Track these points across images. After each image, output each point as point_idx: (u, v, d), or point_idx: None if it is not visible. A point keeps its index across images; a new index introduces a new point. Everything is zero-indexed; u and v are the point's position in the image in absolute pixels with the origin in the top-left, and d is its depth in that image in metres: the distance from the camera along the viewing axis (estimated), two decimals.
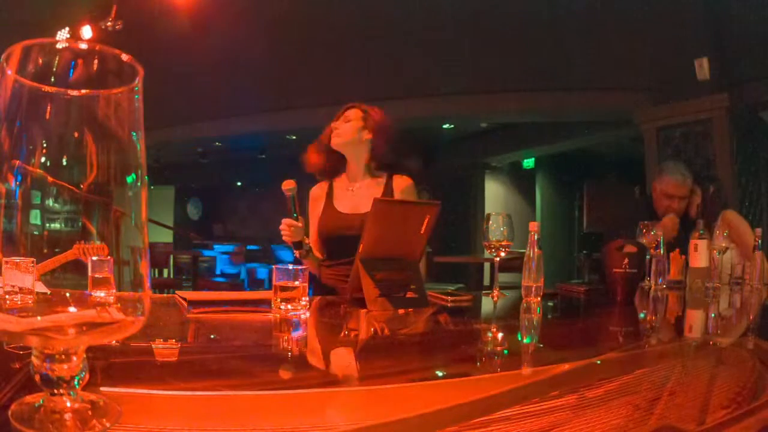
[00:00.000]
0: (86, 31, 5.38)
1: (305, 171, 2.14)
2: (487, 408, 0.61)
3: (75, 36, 5.29)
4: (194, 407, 0.60)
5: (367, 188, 2.04)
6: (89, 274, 0.47)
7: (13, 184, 0.43)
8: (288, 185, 1.82)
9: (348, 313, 1.43)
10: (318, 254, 2.08)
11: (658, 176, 2.77)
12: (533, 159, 8.76)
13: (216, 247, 10.06)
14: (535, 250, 1.58)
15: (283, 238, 1.88)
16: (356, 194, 2.04)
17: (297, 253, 1.94)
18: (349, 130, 2.03)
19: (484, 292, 1.90)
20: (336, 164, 2.10)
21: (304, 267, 1.24)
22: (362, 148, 2.05)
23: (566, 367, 0.85)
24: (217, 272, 8.63)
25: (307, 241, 1.95)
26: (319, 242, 2.09)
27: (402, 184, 2.06)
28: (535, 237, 1.59)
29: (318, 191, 2.14)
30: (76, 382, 0.45)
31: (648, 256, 1.95)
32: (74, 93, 0.44)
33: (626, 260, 1.64)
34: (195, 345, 1.00)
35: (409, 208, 1.65)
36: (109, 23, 5.28)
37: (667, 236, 2.28)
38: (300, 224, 1.87)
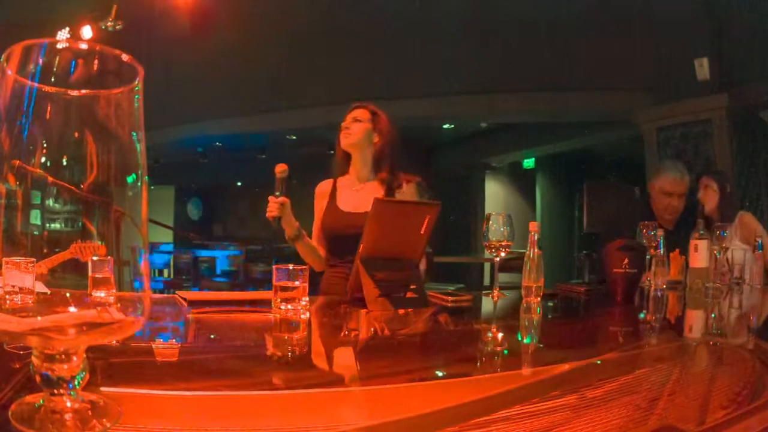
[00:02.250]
0: (86, 31, 5.39)
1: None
2: (487, 408, 0.61)
3: (75, 36, 5.29)
4: (194, 407, 0.60)
5: (371, 189, 2.05)
6: (89, 274, 0.47)
7: (13, 184, 0.43)
8: (281, 168, 1.89)
9: (348, 313, 1.43)
10: (320, 249, 2.10)
11: (656, 175, 2.77)
12: (533, 159, 8.75)
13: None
14: (535, 250, 1.58)
15: (267, 214, 1.91)
16: (360, 194, 2.05)
17: (286, 235, 1.98)
18: (358, 131, 2.04)
19: (484, 292, 1.90)
20: (345, 162, 2.12)
21: (303, 267, 1.24)
22: (370, 149, 2.07)
23: (566, 367, 0.85)
24: (218, 272, 8.62)
25: (296, 224, 1.97)
26: (322, 240, 2.10)
27: (407, 188, 2.07)
28: (535, 237, 1.59)
29: (323, 188, 2.15)
30: (76, 382, 0.45)
31: (648, 256, 1.95)
32: (74, 93, 0.44)
33: (626, 260, 1.64)
34: (195, 345, 1.00)
35: (409, 208, 1.65)
36: (109, 23, 5.29)
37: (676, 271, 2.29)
38: (281, 200, 1.89)
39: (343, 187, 2.11)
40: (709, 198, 2.75)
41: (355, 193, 2.07)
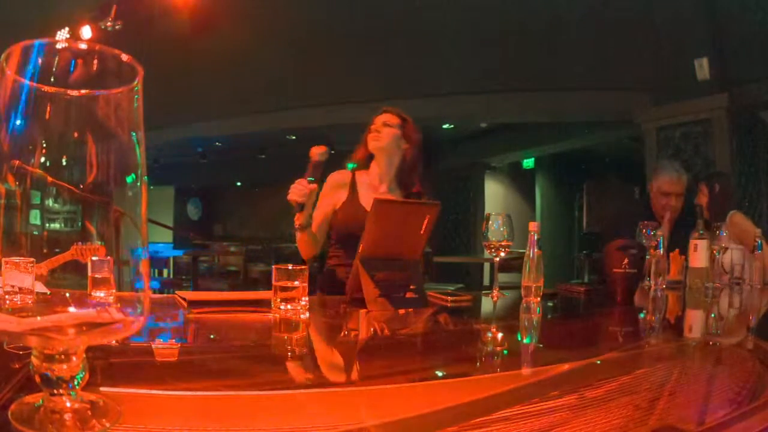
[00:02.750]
0: (86, 31, 5.38)
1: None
2: (487, 408, 0.61)
3: (75, 36, 5.29)
4: (194, 407, 0.60)
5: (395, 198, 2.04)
6: (89, 274, 0.47)
7: (13, 184, 0.43)
8: (319, 149, 1.80)
9: (348, 313, 1.43)
10: (314, 231, 2.01)
11: (654, 176, 2.78)
12: (533, 159, 8.76)
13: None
14: (535, 250, 1.58)
15: (290, 196, 1.80)
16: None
17: (297, 220, 1.87)
18: (388, 135, 2.03)
19: (484, 292, 1.90)
20: (366, 162, 2.11)
21: (303, 267, 1.23)
22: (398, 155, 2.07)
23: (566, 367, 0.85)
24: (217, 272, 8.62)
25: (310, 213, 1.90)
26: (322, 227, 2.04)
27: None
28: (535, 237, 1.59)
29: (340, 179, 2.09)
30: (76, 382, 0.45)
31: (648, 256, 1.95)
32: (74, 93, 0.44)
33: (626, 260, 1.64)
34: (195, 345, 1.00)
35: (409, 208, 1.65)
36: (109, 23, 5.28)
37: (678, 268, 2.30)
38: (313, 187, 1.81)
39: (364, 185, 2.08)
40: (700, 201, 2.77)
41: (378, 196, 2.03)
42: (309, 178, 1.79)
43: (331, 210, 2.06)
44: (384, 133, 2.03)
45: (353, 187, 2.07)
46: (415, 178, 2.09)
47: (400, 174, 2.09)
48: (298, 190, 1.80)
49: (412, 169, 2.08)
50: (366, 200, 2.03)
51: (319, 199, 2.04)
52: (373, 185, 2.08)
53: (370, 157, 2.10)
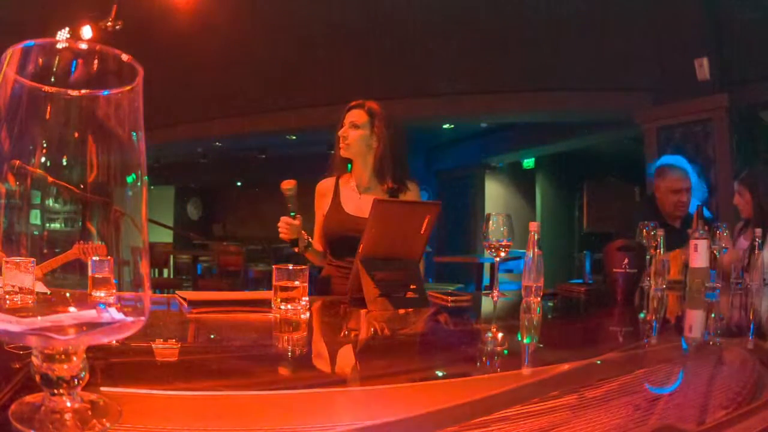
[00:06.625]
0: (86, 31, 5.38)
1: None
2: (487, 408, 0.61)
3: (75, 36, 5.29)
4: (194, 407, 0.60)
5: (374, 195, 2.04)
6: (89, 274, 0.47)
7: (13, 184, 0.43)
8: (288, 185, 1.86)
9: (348, 313, 1.43)
10: (319, 247, 2.08)
11: (660, 177, 2.76)
12: (533, 159, 8.76)
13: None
14: (535, 250, 1.58)
15: (281, 236, 1.90)
16: (363, 199, 2.02)
17: (296, 250, 1.96)
18: (355, 141, 2.00)
19: (484, 292, 1.89)
20: (345, 162, 2.11)
21: (303, 267, 1.23)
22: (371, 154, 2.05)
23: (566, 367, 0.85)
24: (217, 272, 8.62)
25: (306, 237, 1.96)
26: (323, 238, 2.09)
27: (411, 186, 2.07)
28: (535, 237, 1.59)
29: (325, 187, 2.12)
30: (76, 382, 0.45)
31: (648, 256, 1.94)
32: (74, 93, 0.44)
33: (626, 260, 1.64)
34: (195, 345, 1.00)
35: (409, 208, 1.65)
36: (109, 23, 5.28)
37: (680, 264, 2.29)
38: (297, 222, 1.88)
39: (346, 189, 2.09)
40: (737, 202, 2.66)
41: (358, 197, 2.05)
42: (291, 214, 1.88)
43: (322, 219, 2.09)
44: (351, 138, 2.00)
45: (336, 192, 2.09)
46: (389, 172, 2.03)
47: (374, 171, 2.06)
48: (286, 229, 1.89)
49: (385, 165, 2.03)
50: (347, 204, 2.05)
51: (315, 211, 2.12)
52: (353, 187, 2.09)
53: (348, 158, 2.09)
